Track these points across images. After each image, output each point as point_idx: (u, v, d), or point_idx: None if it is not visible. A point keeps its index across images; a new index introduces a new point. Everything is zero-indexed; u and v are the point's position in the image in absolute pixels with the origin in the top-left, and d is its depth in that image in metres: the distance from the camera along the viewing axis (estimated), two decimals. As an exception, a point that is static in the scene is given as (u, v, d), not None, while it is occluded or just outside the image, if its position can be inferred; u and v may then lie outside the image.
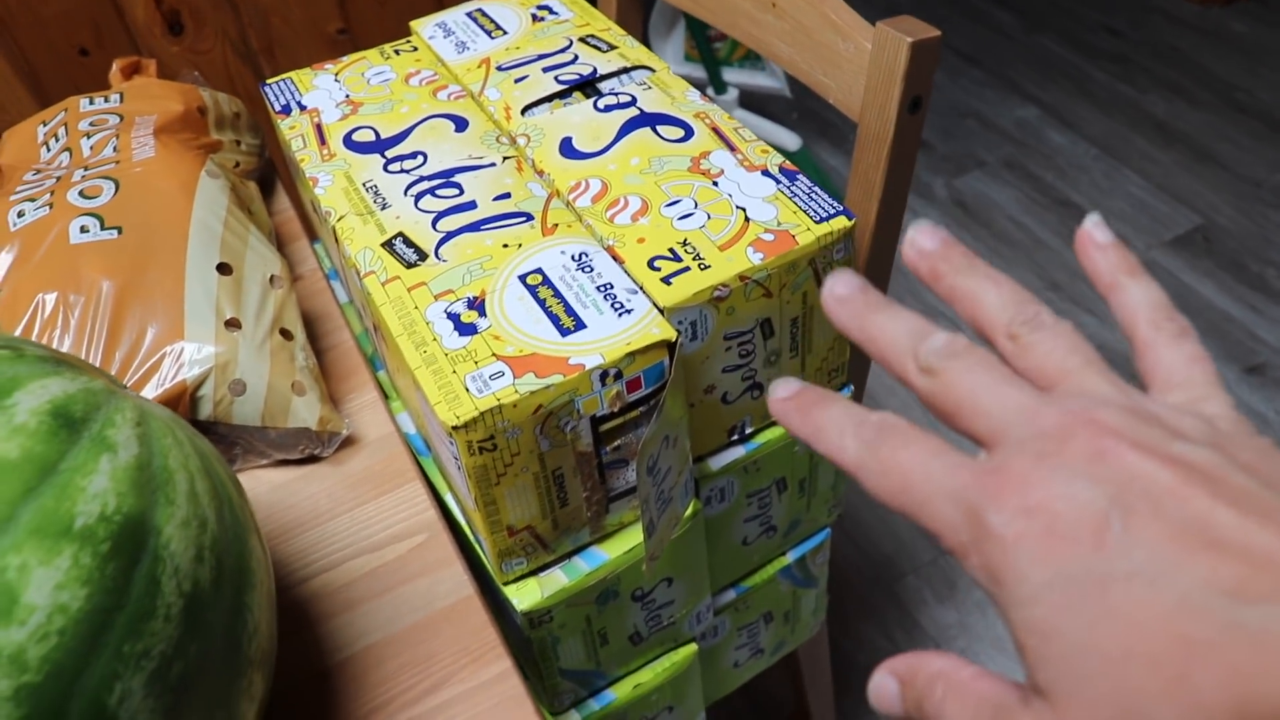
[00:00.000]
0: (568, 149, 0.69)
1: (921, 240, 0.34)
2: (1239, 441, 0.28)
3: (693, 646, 0.78)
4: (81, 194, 0.69)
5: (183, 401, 0.63)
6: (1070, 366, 0.30)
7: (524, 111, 0.73)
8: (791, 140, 1.97)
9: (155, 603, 0.40)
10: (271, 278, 0.69)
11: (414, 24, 0.86)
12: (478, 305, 0.59)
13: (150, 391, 0.63)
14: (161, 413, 0.47)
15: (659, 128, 0.70)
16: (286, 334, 0.67)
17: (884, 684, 0.30)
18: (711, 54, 1.92)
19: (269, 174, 0.90)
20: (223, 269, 0.67)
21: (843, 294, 0.34)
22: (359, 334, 0.78)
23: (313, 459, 0.68)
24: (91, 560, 0.38)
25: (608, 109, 0.72)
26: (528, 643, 0.65)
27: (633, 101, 0.73)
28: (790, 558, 0.84)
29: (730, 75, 1.98)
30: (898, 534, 1.56)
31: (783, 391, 0.34)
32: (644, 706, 0.77)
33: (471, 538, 0.65)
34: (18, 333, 0.64)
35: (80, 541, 0.38)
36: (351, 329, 0.77)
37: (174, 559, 0.41)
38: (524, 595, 0.62)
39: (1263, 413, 1.65)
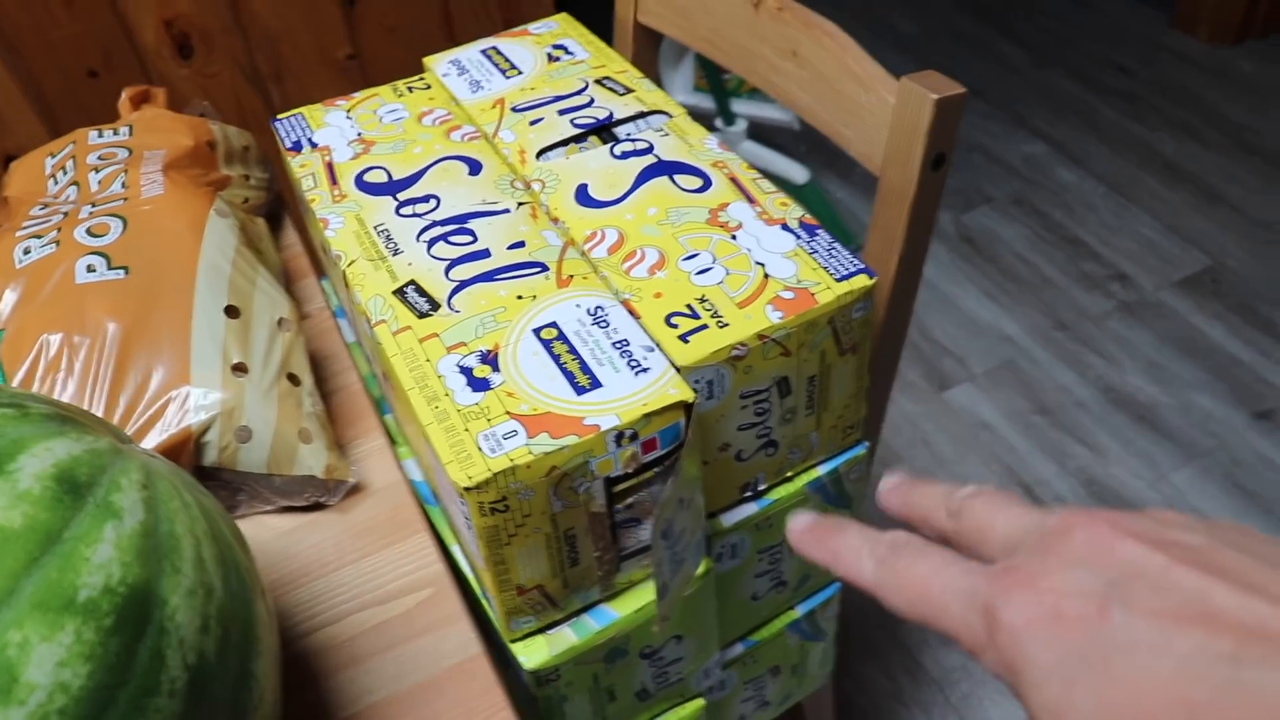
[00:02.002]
0: (584, 196, 0.68)
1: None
2: (1223, 524, 0.30)
3: (700, 701, 0.77)
4: (89, 231, 0.68)
5: (187, 448, 0.62)
6: (1013, 507, 0.33)
7: (539, 155, 0.72)
8: (800, 173, 1.97)
9: (160, 678, 0.39)
10: (280, 320, 0.68)
11: (427, 60, 0.85)
12: (491, 359, 0.58)
13: (154, 437, 0.61)
14: (167, 470, 0.46)
15: (677, 177, 0.69)
16: (294, 379, 0.66)
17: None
18: (721, 85, 1.92)
19: (277, 208, 0.89)
20: (230, 311, 0.66)
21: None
22: (366, 375, 0.77)
23: (318, 506, 0.66)
24: (95, 635, 0.37)
25: (625, 155, 0.71)
26: (534, 700, 0.64)
27: (650, 149, 0.72)
28: (800, 611, 0.82)
29: (739, 107, 1.98)
30: (901, 574, 1.54)
31: (800, 524, 0.37)
32: (648, 762, 0.75)
33: (479, 592, 0.64)
34: (21, 373, 0.63)
35: (84, 615, 0.37)
36: (359, 369, 0.76)
37: (179, 630, 0.40)
38: (532, 653, 0.61)
39: (1271, 458, 1.63)
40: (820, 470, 0.71)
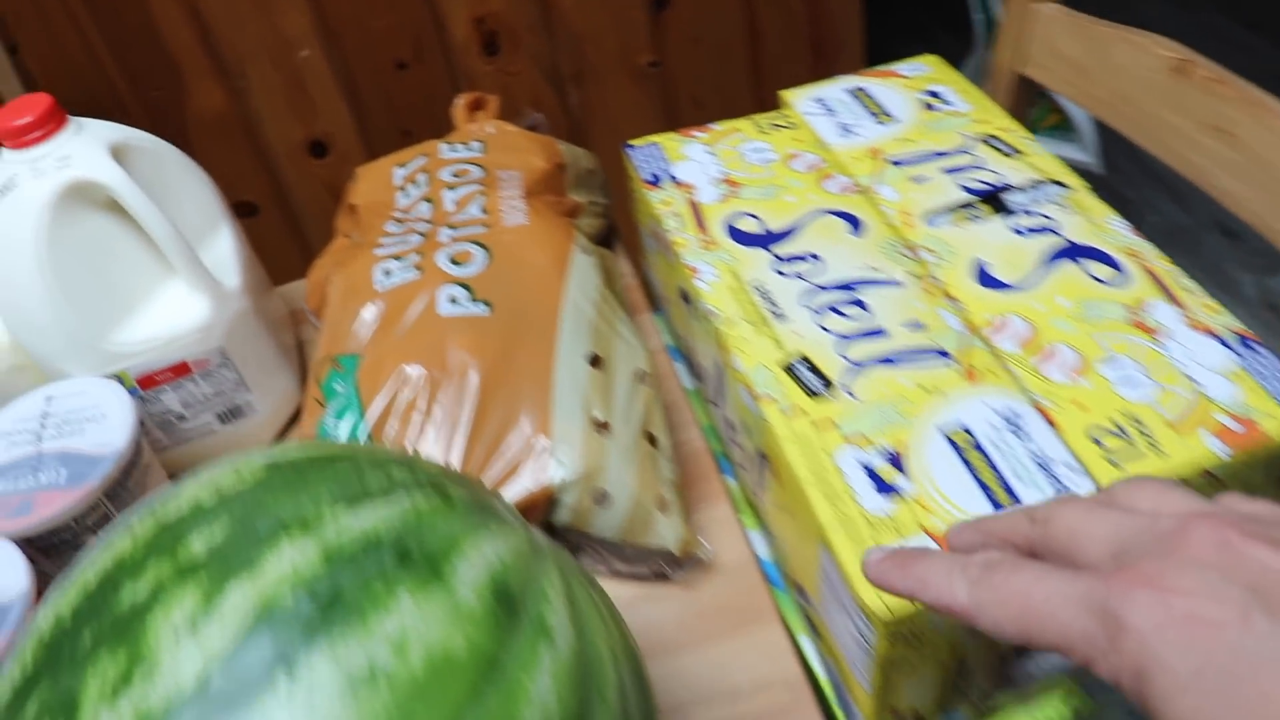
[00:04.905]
0: (983, 275, 0.62)
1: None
2: None
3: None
4: (452, 260, 0.65)
5: (541, 506, 0.59)
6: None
7: (926, 219, 0.66)
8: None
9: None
10: (639, 373, 0.64)
11: (787, 95, 0.80)
12: (897, 461, 0.52)
13: (511, 492, 0.58)
14: (573, 568, 0.42)
15: (1087, 262, 0.62)
16: (652, 439, 0.62)
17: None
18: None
19: (609, 236, 0.85)
20: (593, 360, 0.63)
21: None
22: (705, 427, 0.72)
23: (660, 575, 0.62)
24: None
25: (1025, 231, 0.64)
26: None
27: (1053, 226, 0.64)
28: None
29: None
30: None
31: (877, 554, 0.35)
32: None
33: (833, 697, 0.58)
34: (378, 405, 0.61)
35: (520, 760, 0.33)
36: (698, 420, 0.72)
37: (602, 769, 0.36)
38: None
39: None
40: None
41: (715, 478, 0.68)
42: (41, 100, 0.65)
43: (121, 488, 0.64)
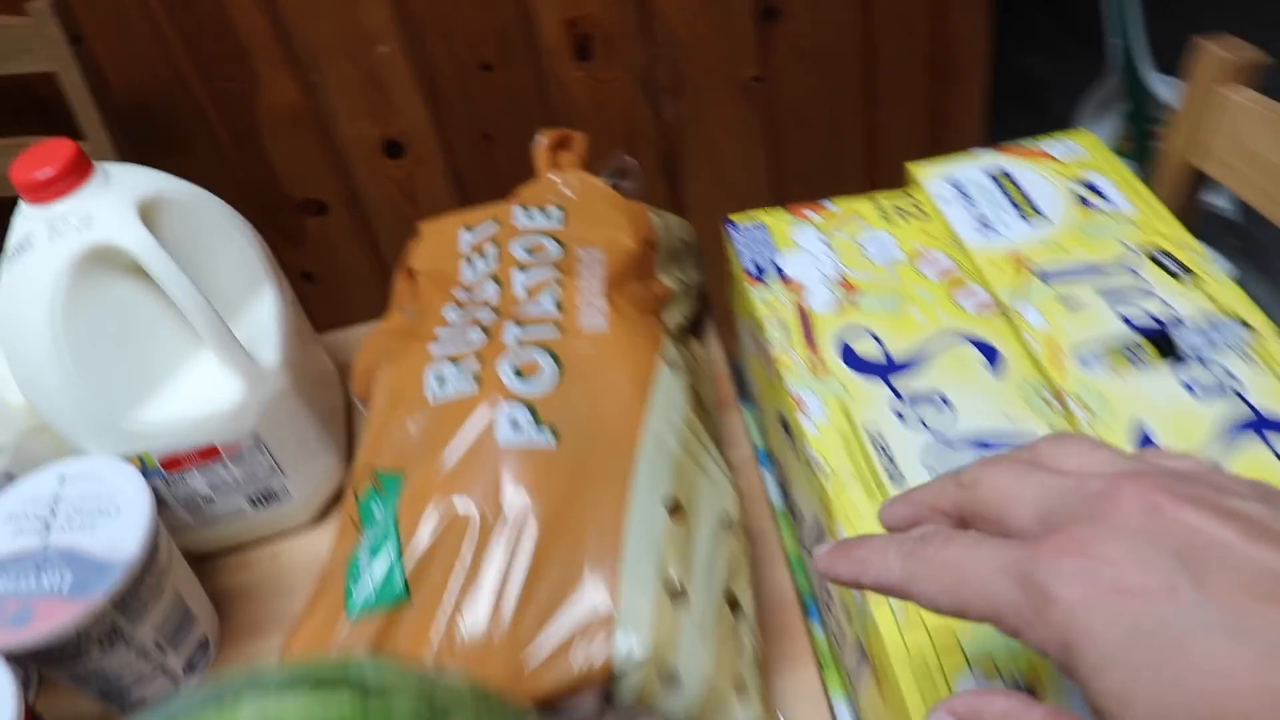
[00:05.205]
0: (1145, 444, 0.51)
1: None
2: (1270, 487, 0.28)
3: None
4: (517, 371, 0.56)
5: (598, 681, 0.50)
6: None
7: (1078, 358, 0.56)
8: (1225, 270, 1.69)
9: None
10: (726, 520, 0.55)
11: (915, 170, 0.70)
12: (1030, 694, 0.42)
13: (566, 667, 0.49)
14: None
15: (1277, 440, 0.51)
16: (734, 602, 0.53)
17: None
18: (1150, 154, 1.67)
19: (700, 317, 0.75)
20: (673, 507, 0.53)
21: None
22: (793, 558, 0.63)
23: (730, 760, 0.53)
24: None
25: (1199, 390, 0.53)
26: None
27: (1234, 385, 0.54)
28: None
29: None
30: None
31: (824, 546, 0.34)
32: None
33: None
34: (422, 541, 0.52)
35: None
36: (784, 547, 0.63)
37: None
38: None
39: None
40: None
41: (800, 633, 0.58)
42: (64, 149, 0.57)
43: (133, 597, 0.57)
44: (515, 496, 0.52)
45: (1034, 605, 0.26)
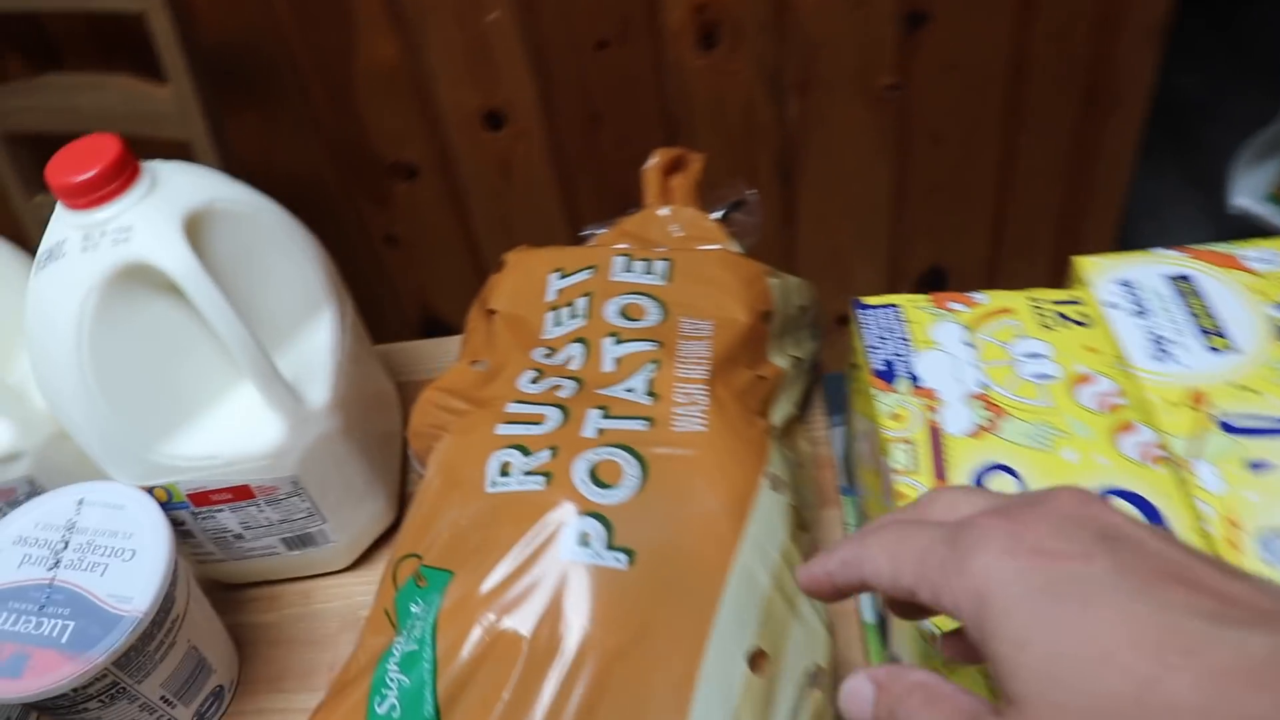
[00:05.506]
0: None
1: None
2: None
3: None
4: (593, 474, 0.48)
5: None
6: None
7: (1261, 542, 0.46)
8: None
9: None
10: (814, 674, 0.47)
11: (1084, 266, 0.60)
12: None
13: None
14: None
15: None
16: (813, 776, 0.45)
17: (859, 688, 0.30)
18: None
19: (809, 394, 0.67)
20: (754, 658, 0.45)
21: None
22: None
23: None
24: None
25: None
26: None
27: None
28: None
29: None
30: None
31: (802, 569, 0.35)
32: None
33: None
34: (459, 663, 0.44)
35: None
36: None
37: None
38: None
39: None
40: None
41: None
42: (108, 148, 0.50)
43: (138, 654, 0.52)
44: (575, 626, 0.44)
45: (958, 559, 0.27)
